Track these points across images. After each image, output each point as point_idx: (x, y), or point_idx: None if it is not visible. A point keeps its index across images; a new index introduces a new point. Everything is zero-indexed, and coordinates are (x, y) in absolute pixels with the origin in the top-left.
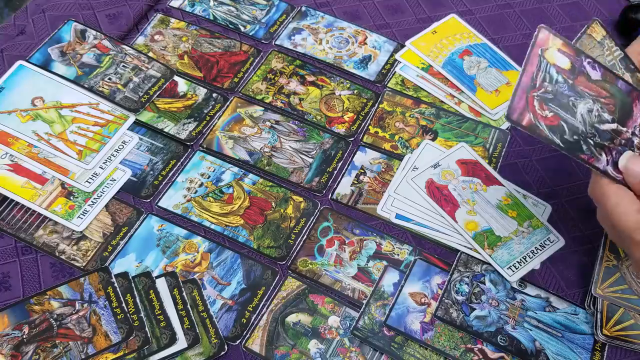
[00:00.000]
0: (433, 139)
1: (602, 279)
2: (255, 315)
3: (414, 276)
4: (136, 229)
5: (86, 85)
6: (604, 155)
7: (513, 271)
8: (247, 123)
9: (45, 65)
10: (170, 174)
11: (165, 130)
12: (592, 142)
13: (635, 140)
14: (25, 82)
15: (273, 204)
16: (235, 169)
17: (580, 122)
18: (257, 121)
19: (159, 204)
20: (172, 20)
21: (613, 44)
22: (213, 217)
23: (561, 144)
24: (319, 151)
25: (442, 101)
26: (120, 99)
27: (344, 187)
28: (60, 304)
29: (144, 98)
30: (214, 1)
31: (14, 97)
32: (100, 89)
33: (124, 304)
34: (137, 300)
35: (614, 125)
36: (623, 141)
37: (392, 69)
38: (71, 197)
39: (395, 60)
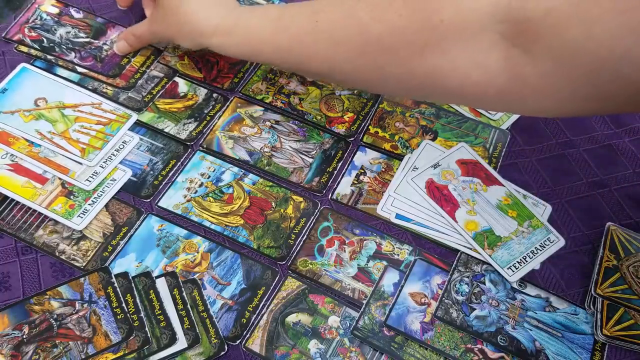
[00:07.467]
0: (433, 139)
1: (602, 279)
2: (255, 315)
3: (414, 276)
4: (136, 229)
5: (89, 87)
6: (73, 53)
7: (513, 271)
8: (247, 123)
9: (48, 69)
10: (170, 174)
11: (166, 130)
12: (74, 46)
13: (104, 48)
14: (28, 84)
15: (273, 204)
16: (235, 169)
17: (58, 37)
18: (257, 121)
19: (159, 204)
20: None
21: None
22: (213, 217)
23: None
24: (319, 151)
25: None
26: (124, 99)
27: (344, 187)
28: (60, 304)
29: (147, 97)
30: None
31: (17, 98)
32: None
33: (124, 304)
34: (137, 300)
35: (87, 39)
36: (94, 47)
37: None
38: (71, 197)
39: None
